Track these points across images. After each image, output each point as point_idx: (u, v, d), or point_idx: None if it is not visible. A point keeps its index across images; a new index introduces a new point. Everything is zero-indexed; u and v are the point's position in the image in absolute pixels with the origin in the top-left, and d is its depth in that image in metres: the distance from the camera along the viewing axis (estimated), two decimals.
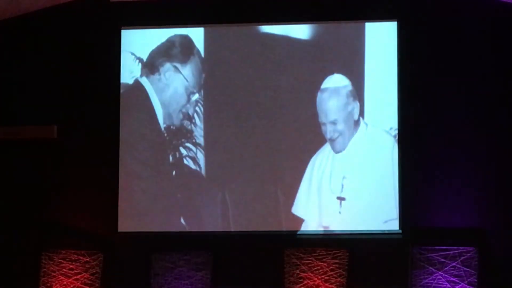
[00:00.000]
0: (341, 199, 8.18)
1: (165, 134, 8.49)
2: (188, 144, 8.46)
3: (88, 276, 8.03)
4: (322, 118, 8.30)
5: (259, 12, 8.30)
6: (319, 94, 8.33)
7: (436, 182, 7.91)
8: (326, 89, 8.31)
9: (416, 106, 8.00)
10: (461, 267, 7.61)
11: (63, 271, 8.03)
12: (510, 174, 7.85)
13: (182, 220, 8.32)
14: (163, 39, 8.56)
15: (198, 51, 8.48)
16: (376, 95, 8.21)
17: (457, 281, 7.59)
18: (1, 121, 8.39)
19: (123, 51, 8.48)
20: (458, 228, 7.80)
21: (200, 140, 8.43)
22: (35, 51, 8.46)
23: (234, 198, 8.33)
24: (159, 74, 8.54)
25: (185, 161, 8.45)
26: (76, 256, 8.07)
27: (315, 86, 8.34)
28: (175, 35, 8.57)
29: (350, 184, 8.17)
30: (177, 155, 8.46)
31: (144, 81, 8.56)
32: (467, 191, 7.85)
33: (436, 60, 8.01)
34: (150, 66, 8.55)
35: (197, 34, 8.51)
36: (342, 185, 8.18)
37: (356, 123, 8.25)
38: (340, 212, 8.14)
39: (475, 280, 7.56)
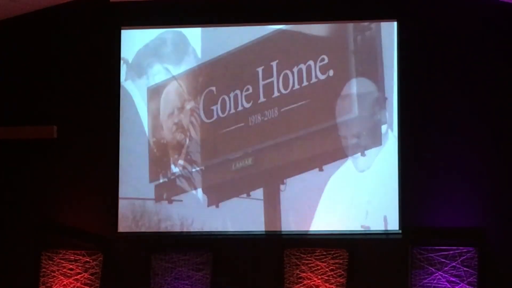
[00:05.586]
0: (365, 228, 7.46)
1: (154, 150, 7.63)
2: (181, 162, 7.64)
3: (88, 276, 8.03)
4: (343, 131, 7.41)
5: (263, 11, 8.20)
6: (339, 101, 7.43)
7: (436, 182, 7.90)
8: (347, 95, 7.44)
9: (416, 106, 7.99)
10: (461, 267, 7.60)
11: (63, 271, 8.04)
12: (510, 174, 7.85)
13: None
14: (153, 37, 7.71)
15: (194, 51, 7.68)
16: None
17: (457, 281, 7.58)
18: (1, 121, 8.40)
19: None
20: (458, 228, 7.79)
21: (196, 156, 7.60)
22: (35, 51, 8.47)
23: (238, 226, 7.61)
24: (147, 78, 7.68)
25: (178, 182, 7.66)
26: (76, 256, 8.07)
27: (334, 92, 7.43)
28: (167, 32, 7.71)
29: (376, 210, 7.31)
30: (169, 174, 7.65)
31: (129, 85, 7.77)
32: (467, 191, 7.85)
33: (436, 60, 8.01)
34: (137, 68, 7.74)
35: (193, 31, 7.71)
36: (367, 211, 7.35)
37: (384, 136, 7.40)
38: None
39: (475, 280, 7.55)
